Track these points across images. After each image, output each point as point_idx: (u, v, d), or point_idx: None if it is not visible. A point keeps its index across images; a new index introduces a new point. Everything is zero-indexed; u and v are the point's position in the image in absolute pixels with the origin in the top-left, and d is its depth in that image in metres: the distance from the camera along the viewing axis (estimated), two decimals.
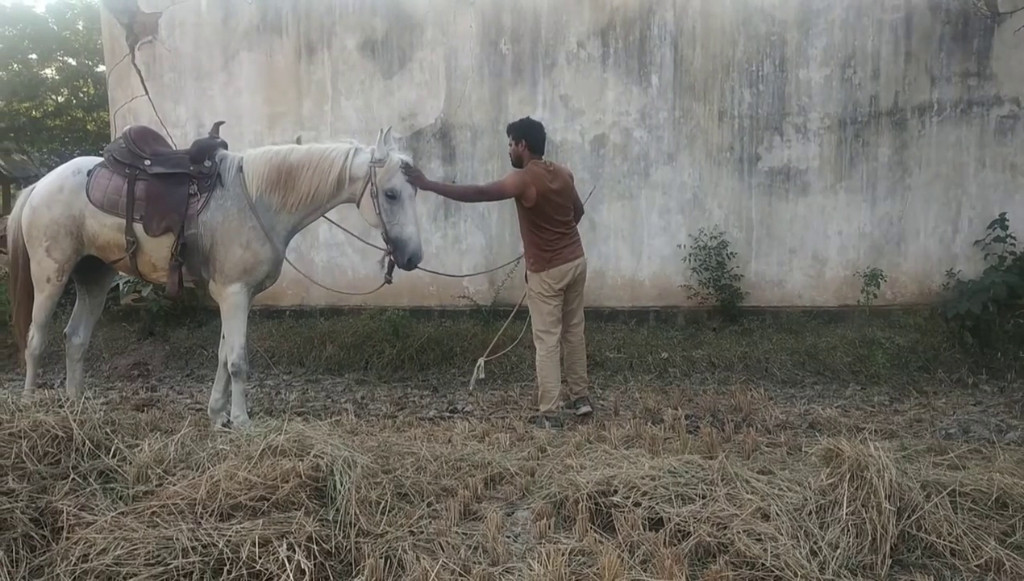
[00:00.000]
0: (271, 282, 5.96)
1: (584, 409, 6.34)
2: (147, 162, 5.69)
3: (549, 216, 6.13)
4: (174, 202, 5.59)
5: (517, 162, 6.30)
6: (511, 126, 6.38)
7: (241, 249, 5.60)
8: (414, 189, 5.60)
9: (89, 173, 5.79)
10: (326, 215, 6.03)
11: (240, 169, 5.72)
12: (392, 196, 5.48)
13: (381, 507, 4.02)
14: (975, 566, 3.47)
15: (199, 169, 5.67)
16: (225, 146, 5.95)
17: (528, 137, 6.24)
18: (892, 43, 8.62)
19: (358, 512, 3.79)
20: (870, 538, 3.47)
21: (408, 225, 5.53)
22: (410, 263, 5.59)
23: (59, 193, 5.79)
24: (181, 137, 9.63)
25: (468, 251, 9.24)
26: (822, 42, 8.67)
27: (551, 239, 6.19)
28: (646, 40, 8.89)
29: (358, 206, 5.63)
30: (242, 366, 5.69)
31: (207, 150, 5.75)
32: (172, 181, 5.65)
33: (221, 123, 6.18)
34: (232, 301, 5.65)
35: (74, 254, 5.84)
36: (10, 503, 3.56)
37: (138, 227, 5.63)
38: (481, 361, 7.07)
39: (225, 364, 5.78)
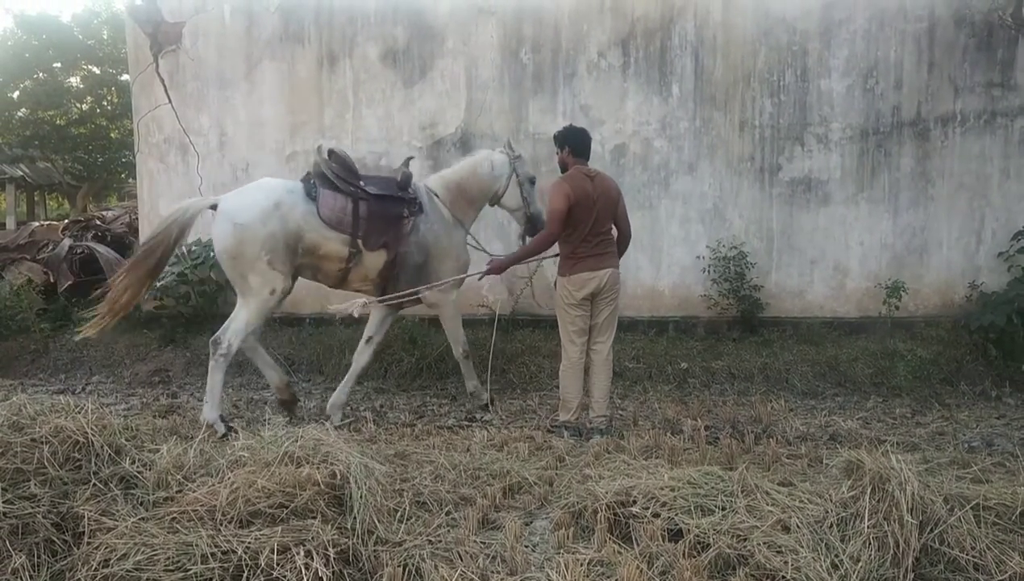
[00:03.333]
0: None
1: (594, 440, 5.88)
2: (362, 183, 6.40)
3: (579, 221, 5.99)
4: (391, 221, 6.43)
5: (563, 168, 6.29)
6: (556, 134, 6.41)
7: (453, 262, 6.73)
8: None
9: (309, 193, 6.31)
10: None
11: (432, 194, 6.78)
12: (533, 181, 7.05)
13: (399, 515, 4.03)
14: None
15: (406, 195, 6.54)
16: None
17: (570, 142, 6.22)
18: (915, 53, 8.58)
19: (376, 520, 3.80)
20: (892, 552, 3.43)
21: (537, 200, 7.00)
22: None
23: (275, 210, 6.18)
24: (204, 145, 9.71)
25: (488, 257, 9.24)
26: (844, 52, 8.64)
27: (577, 245, 6.08)
28: (667, 50, 8.88)
29: (500, 198, 7.00)
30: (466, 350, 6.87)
31: (408, 179, 6.63)
32: (389, 202, 6.45)
33: (411, 158, 6.98)
34: (451, 308, 6.85)
35: (292, 265, 6.30)
36: (32, 508, 3.58)
37: (359, 242, 6.35)
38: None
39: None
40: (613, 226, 6.21)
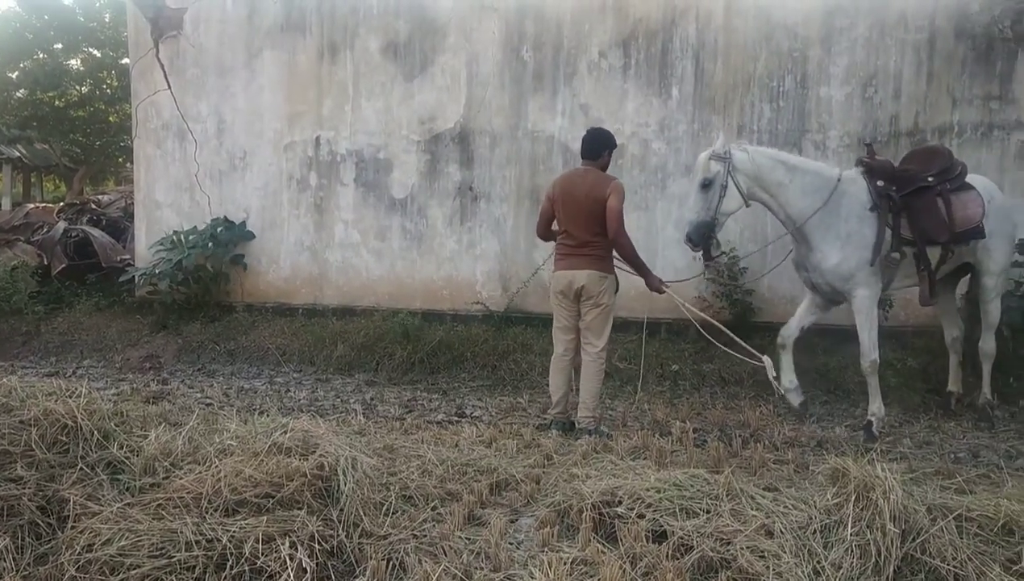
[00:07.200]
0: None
1: (582, 439, 5.81)
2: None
3: (561, 217, 6.18)
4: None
5: None
6: None
7: None
8: None
9: None
10: None
11: None
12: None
13: (385, 509, 4.05)
14: None
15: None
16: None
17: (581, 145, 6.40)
18: (914, 64, 8.58)
19: (362, 513, 3.81)
20: (873, 560, 3.45)
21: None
22: None
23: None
24: (201, 132, 9.70)
25: (482, 256, 9.25)
26: (844, 60, 8.63)
27: (558, 243, 6.27)
28: (668, 52, 8.88)
29: None
30: None
31: None
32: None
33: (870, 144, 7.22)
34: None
35: None
36: (18, 490, 3.59)
37: None
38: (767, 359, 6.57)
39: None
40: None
